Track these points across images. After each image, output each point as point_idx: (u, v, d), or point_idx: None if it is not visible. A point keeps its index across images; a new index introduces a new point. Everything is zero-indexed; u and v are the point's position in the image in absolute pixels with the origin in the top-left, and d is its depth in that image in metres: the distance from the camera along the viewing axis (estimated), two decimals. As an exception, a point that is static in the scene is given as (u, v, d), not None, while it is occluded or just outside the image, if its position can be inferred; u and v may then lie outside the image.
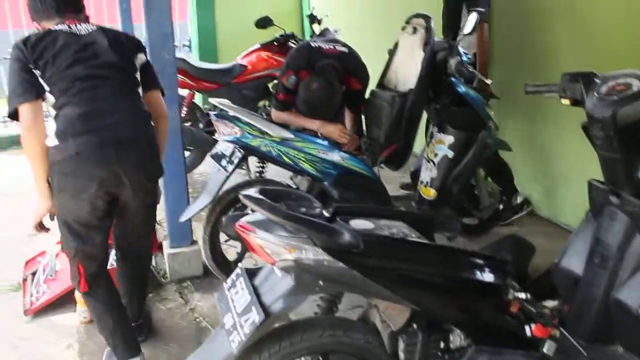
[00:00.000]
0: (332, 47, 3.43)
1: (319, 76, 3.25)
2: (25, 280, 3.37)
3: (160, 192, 2.71)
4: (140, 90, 2.49)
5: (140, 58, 2.53)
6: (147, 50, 2.96)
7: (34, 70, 2.27)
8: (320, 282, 1.67)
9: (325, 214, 1.76)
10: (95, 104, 2.32)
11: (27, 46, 2.29)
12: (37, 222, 2.45)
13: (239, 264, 1.87)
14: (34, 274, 3.37)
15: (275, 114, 3.44)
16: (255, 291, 1.73)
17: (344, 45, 3.53)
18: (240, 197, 1.67)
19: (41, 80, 2.28)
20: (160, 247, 3.67)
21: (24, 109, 2.24)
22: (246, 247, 3.06)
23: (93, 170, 2.28)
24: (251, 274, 1.81)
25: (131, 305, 2.80)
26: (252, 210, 1.82)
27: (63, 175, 2.30)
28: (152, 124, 2.50)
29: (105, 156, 2.29)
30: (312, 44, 3.45)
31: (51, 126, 2.31)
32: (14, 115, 2.28)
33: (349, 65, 3.41)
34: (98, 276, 2.49)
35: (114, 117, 2.34)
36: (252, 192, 1.69)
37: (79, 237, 2.40)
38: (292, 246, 1.61)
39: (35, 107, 2.26)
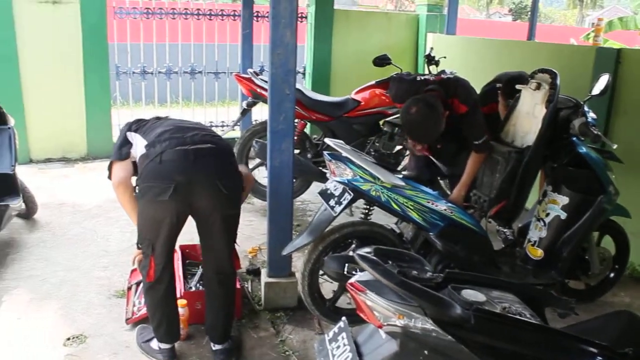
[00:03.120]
0: (437, 76, 3.41)
1: (419, 100, 3.15)
2: (129, 288, 3.53)
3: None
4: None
5: None
6: (270, 83, 3.09)
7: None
8: (425, 352, 1.64)
9: (437, 279, 1.73)
10: (182, 124, 2.86)
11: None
12: (138, 260, 2.88)
13: (343, 318, 1.87)
14: (138, 283, 3.51)
15: None
16: (357, 349, 1.73)
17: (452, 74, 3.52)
18: (355, 257, 1.67)
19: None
20: (257, 273, 3.75)
21: None
22: (343, 290, 3.10)
23: (173, 175, 2.60)
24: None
25: (214, 328, 2.94)
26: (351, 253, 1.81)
27: (146, 181, 2.64)
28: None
29: (185, 161, 2.62)
30: (418, 78, 3.42)
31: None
32: None
33: (450, 88, 3.30)
34: (164, 272, 2.77)
35: (196, 132, 2.78)
36: (367, 252, 1.69)
37: (155, 236, 2.69)
38: (402, 313, 1.59)
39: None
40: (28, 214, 4.54)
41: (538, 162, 3.38)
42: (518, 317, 1.73)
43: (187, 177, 2.61)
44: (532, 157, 3.27)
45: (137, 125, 2.92)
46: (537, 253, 3.41)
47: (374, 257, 1.65)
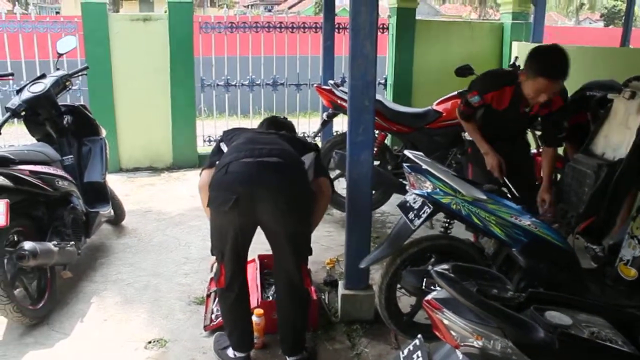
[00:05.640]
0: None
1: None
2: (208, 296, 3.60)
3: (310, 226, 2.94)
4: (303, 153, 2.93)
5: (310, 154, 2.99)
6: (349, 95, 3.08)
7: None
8: (505, 376, 1.56)
9: (519, 299, 1.65)
10: (254, 138, 2.87)
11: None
12: (212, 266, 2.99)
13: (419, 336, 1.82)
14: (217, 291, 3.58)
15: (462, 120, 3.81)
16: (433, 369, 1.67)
17: None
18: (433, 274, 1.62)
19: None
20: (334, 285, 3.73)
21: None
22: (421, 304, 3.03)
23: (235, 186, 2.62)
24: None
25: (285, 340, 2.94)
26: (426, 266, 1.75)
27: (213, 190, 2.70)
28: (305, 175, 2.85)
29: (248, 174, 2.63)
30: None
31: None
32: None
33: None
34: (234, 280, 2.80)
35: (265, 146, 2.77)
36: (445, 269, 1.63)
37: (223, 244, 2.74)
38: (480, 334, 1.52)
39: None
40: (116, 221, 4.75)
41: (632, 176, 3.18)
42: (608, 343, 1.61)
43: (249, 189, 2.61)
44: (625, 170, 3.09)
45: (227, 136, 3.01)
46: (631, 273, 3.19)
47: (452, 275, 1.60)
